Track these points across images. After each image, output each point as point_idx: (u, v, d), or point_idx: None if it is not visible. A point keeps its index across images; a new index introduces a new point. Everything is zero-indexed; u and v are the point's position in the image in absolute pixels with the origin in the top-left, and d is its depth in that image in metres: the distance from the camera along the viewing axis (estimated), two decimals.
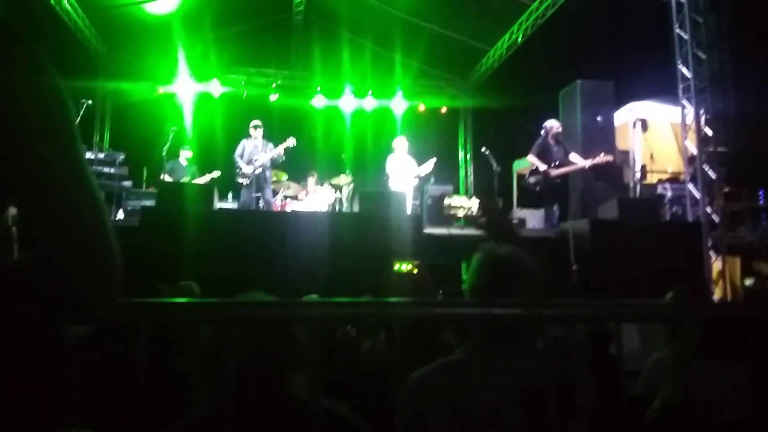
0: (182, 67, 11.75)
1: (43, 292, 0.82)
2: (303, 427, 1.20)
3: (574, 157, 7.78)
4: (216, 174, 8.93)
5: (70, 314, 0.85)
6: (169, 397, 1.48)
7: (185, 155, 9.04)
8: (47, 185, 0.81)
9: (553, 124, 7.91)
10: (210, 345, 1.22)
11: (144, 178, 9.82)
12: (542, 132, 7.95)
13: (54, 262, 0.81)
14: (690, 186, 8.04)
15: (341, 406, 1.36)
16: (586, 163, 7.58)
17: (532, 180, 7.93)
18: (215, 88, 11.89)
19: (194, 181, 8.67)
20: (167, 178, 8.65)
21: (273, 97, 12.10)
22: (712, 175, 7.79)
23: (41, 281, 0.82)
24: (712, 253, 7.52)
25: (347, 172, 9.77)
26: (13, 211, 0.90)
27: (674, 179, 9.60)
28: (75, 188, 0.82)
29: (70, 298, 0.83)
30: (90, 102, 8.60)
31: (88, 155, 8.50)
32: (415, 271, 2.91)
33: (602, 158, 7.51)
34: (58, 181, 0.81)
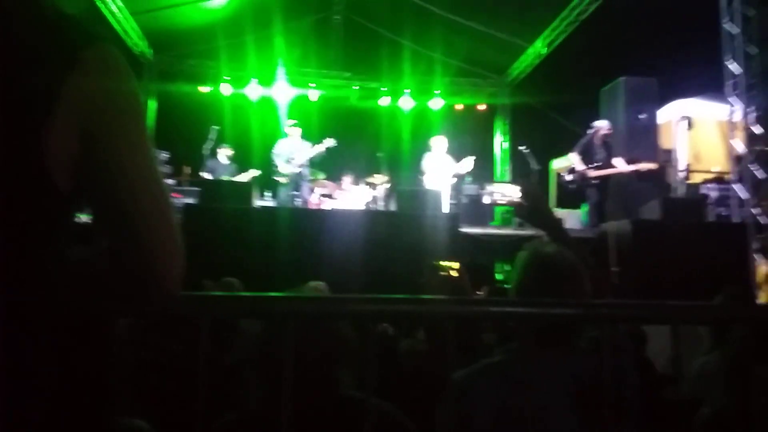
0: (223, 69, 11.98)
1: (110, 285, 0.85)
2: (350, 424, 1.22)
3: (616, 161, 7.64)
4: (255, 173, 9.04)
5: (136, 307, 0.87)
6: (218, 391, 1.51)
7: (225, 153, 9.18)
8: (127, 182, 0.83)
9: (602, 125, 7.78)
10: (262, 339, 1.24)
11: (186, 176, 10.00)
12: (589, 131, 7.84)
13: (127, 258, 0.84)
14: (736, 186, 7.80)
15: (388, 404, 1.37)
16: (627, 168, 7.44)
17: (568, 177, 7.86)
18: (254, 89, 12.07)
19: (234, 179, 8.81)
20: (207, 177, 8.80)
21: (313, 96, 12.25)
22: (759, 175, 7.54)
23: (110, 274, 0.85)
24: (757, 257, 7.28)
25: (383, 170, 9.77)
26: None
27: (720, 179, 9.32)
28: (150, 185, 0.85)
29: (138, 293, 0.86)
30: None
31: None
32: (455, 274, 2.89)
33: (645, 166, 7.39)
34: (136, 179, 0.84)
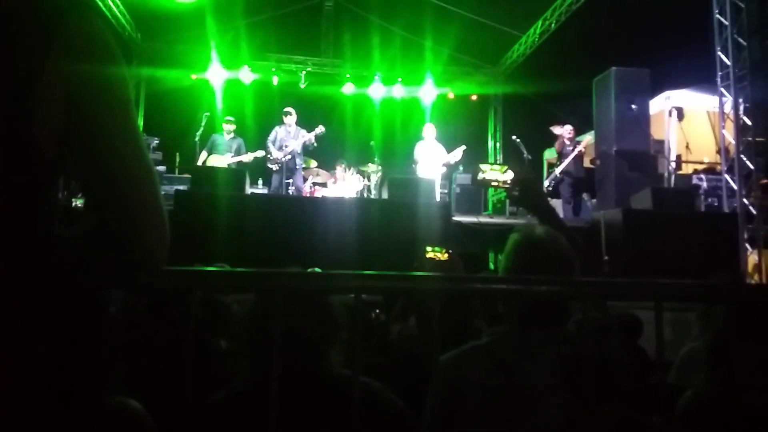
0: (214, 54, 11.89)
1: (99, 261, 0.86)
2: (339, 402, 1.23)
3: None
4: (260, 153, 8.77)
5: (125, 282, 0.88)
6: (210, 372, 1.52)
7: (228, 128, 8.87)
8: (108, 153, 0.83)
9: (566, 126, 8.80)
10: (251, 317, 1.25)
11: (177, 163, 9.95)
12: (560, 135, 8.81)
13: (113, 232, 0.84)
14: (726, 177, 7.86)
15: (376, 383, 1.39)
16: (574, 152, 8.51)
17: (546, 183, 8.84)
18: (246, 75, 11.99)
19: (237, 158, 8.66)
20: (205, 155, 8.65)
21: (303, 87, 12.20)
22: (749, 165, 7.60)
23: (99, 250, 0.85)
24: (748, 246, 7.35)
25: (376, 159, 9.76)
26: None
27: (710, 170, 9.38)
28: (136, 161, 0.85)
29: (125, 266, 0.86)
30: None
31: None
32: (445, 257, 2.90)
33: (583, 144, 8.61)
34: (117, 149, 0.84)
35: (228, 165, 8.52)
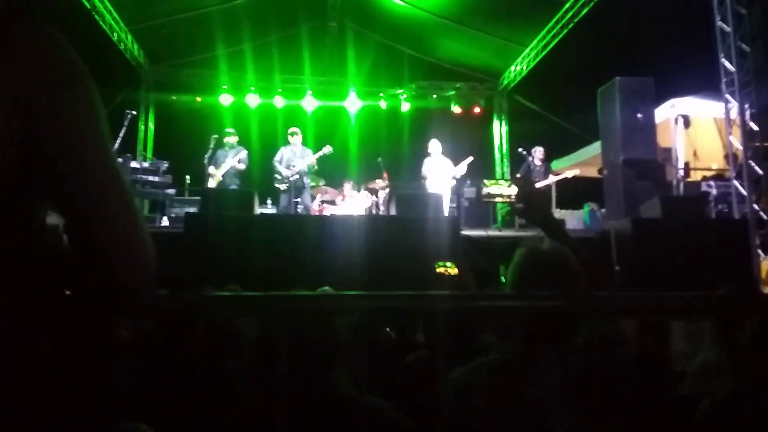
0: (221, 78, 12.06)
1: (88, 285, 0.83)
2: (345, 422, 1.24)
3: (551, 176, 8.77)
4: (243, 154, 8.83)
5: (115, 305, 0.84)
6: (218, 393, 1.52)
7: (231, 141, 8.94)
8: (88, 184, 0.78)
9: (536, 149, 8.96)
10: (258, 340, 1.26)
11: (186, 185, 10.03)
12: (529, 157, 8.91)
13: (87, 252, 0.81)
14: (736, 183, 7.82)
15: (383, 402, 1.39)
16: (555, 179, 8.67)
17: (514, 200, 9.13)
18: (252, 98, 12.15)
19: (232, 162, 8.70)
20: (212, 170, 8.70)
21: (309, 106, 12.34)
22: (758, 171, 7.56)
23: (86, 275, 0.83)
24: (760, 252, 7.29)
25: (384, 176, 9.79)
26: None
27: (719, 176, 9.33)
28: (111, 185, 0.79)
29: (113, 288, 0.82)
30: (134, 113, 8.82)
31: (133, 164, 8.72)
32: (455, 271, 2.91)
33: (569, 172, 8.84)
34: (97, 180, 0.78)
35: (226, 172, 8.63)
